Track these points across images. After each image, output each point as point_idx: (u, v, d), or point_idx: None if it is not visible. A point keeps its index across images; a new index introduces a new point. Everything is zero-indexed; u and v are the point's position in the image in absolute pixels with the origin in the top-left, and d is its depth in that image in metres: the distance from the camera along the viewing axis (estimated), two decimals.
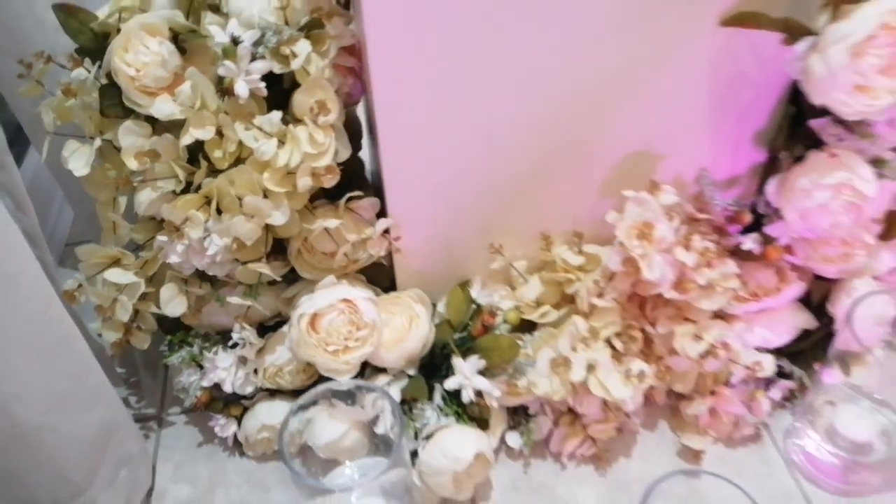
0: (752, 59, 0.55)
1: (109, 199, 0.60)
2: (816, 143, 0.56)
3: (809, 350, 0.67)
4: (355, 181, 0.63)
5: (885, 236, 0.66)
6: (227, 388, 0.63)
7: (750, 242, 0.62)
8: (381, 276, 0.66)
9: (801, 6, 0.51)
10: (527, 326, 0.65)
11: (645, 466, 0.66)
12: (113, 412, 0.58)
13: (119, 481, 0.59)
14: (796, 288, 0.65)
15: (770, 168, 0.62)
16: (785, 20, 0.50)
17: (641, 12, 0.52)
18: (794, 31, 0.50)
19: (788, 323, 0.67)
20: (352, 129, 0.65)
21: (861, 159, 0.54)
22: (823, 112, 0.53)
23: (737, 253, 0.64)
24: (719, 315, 0.66)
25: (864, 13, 0.46)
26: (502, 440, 0.66)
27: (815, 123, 0.55)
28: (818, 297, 0.67)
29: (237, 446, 0.68)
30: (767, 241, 0.61)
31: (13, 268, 0.45)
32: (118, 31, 0.55)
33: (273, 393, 0.65)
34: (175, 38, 0.55)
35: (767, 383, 0.68)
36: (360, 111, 0.65)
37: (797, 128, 0.58)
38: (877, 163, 0.54)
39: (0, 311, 0.44)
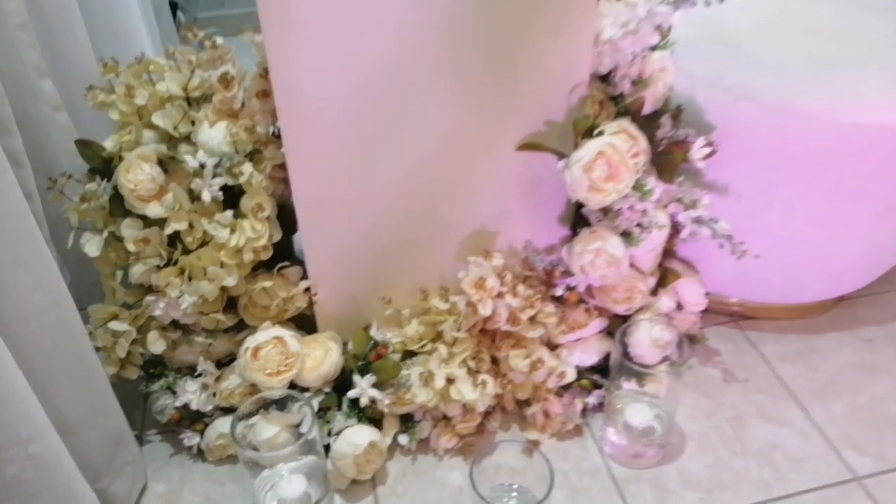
0: (545, 168, 0.85)
1: (111, 273, 0.85)
2: (588, 223, 0.85)
3: None
4: (286, 255, 0.90)
5: (661, 284, 0.96)
6: (194, 407, 0.87)
7: (560, 290, 0.90)
8: (306, 323, 0.92)
9: (568, 138, 0.81)
10: (411, 355, 0.91)
11: None
12: (119, 422, 0.81)
13: (125, 474, 0.82)
14: (599, 322, 0.93)
15: (572, 239, 0.90)
16: (553, 148, 0.80)
17: (467, 135, 0.81)
18: (558, 154, 0.80)
19: (596, 348, 0.94)
20: (291, 217, 0.92)
21: (613, 233, 0.83)
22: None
23: (558, 299, 0.92)
24: (550, 344, 0.94)
25: (589, 145, 0.76)
26: (395, 440, 0.90)
27: (584, 210, 0.84)
28: (615, 329, 0.95)
29: (200, 454, 0.91)
30: (570, 289, 0.89)
31: (52, 301, 0.70)
32: (120, 157, 0.82)
33: (227, 410, 0.89)
34: (160, 162, 0.82)
35: (588, 393, 0.94)
36: None
37: (580, 213, 0.87)
38: (625, 235, 0.83)
39: (57, 341, 0.69)
